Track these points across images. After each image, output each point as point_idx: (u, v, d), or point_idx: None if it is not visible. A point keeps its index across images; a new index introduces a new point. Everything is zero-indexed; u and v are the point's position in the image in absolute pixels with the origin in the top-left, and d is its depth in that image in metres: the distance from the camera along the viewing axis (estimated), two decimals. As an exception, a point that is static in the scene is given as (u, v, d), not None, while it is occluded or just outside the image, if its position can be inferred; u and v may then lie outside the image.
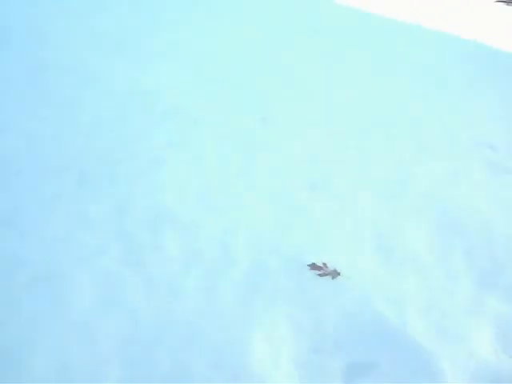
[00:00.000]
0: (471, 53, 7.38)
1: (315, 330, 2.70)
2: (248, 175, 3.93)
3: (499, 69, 6.84)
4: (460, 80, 6.31)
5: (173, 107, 4.84)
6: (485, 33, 8.32)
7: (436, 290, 3.01)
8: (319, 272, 3.06)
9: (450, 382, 2.46)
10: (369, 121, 5.12)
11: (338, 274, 3.07)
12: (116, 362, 2.40)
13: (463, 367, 2.54)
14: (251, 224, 3.40)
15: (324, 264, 3.11)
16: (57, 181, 3.62)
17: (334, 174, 4.06)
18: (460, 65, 6.90)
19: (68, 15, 7.06)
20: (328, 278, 3.03)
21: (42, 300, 2.67)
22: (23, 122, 4.29)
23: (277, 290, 2.89)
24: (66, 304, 2.66)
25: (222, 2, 8.90)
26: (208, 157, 4.11)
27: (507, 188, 4.05)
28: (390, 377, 2.51)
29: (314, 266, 3.09)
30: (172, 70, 5.70)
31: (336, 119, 5.07)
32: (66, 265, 2.90)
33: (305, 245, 3.28)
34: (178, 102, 4.96)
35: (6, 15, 6.67)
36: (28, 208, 3.33)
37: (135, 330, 2.55)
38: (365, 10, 9.62)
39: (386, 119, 5.21)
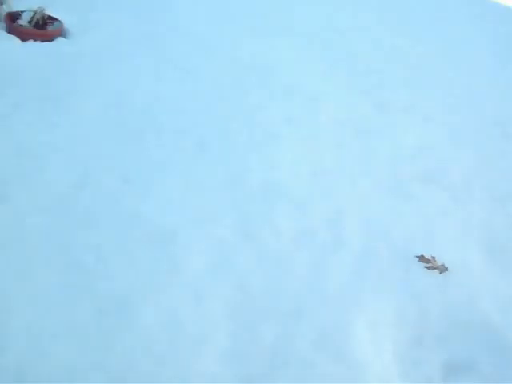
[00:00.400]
0: None
1: (418, 323, 2.69)
2: (362, 160, 3.93)
3: None
4: None
5: (290, 83, 4.87)
6: None
7: (546, 297, 2.94)
8: (427, 265, 3.04)
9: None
10: (487, 117, 4.99)
11: (446, 269, 3.04)
12: (223, 328, 2.47)
13: None
14: (363, 209, 3.41)
15: (433, 257, 3.09)
16: (175, 144, 3.70)
17: (448, 168, 4.00)
18: None
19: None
20: (436, 271, 3.01)
21: (157, 257, 2.78)
22: (145, 83, 4.40)
23: (384, 278, 2.91)
24: (179, 263, 2.76)
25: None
26: (323, 137, 4.13)
27: None
28: (488, 379, 2.48)
29: (422, 259, 3.07)
30: (293, 47, 5.70)
31: (454, 112, 4.96)
32: (181, 226, 2.99)
33: (415, 235, 3.27)
34: (296, 79, 4.98)
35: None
36: (146, 168, 3.42)
37: (244, 299, 2.63)
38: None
39: (504, 117, 5.06)
